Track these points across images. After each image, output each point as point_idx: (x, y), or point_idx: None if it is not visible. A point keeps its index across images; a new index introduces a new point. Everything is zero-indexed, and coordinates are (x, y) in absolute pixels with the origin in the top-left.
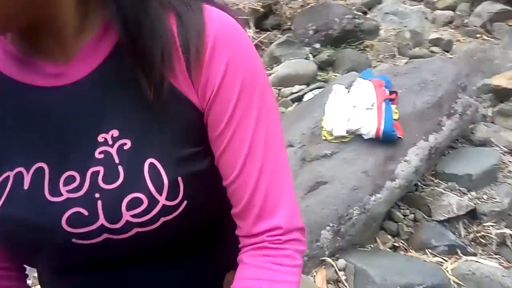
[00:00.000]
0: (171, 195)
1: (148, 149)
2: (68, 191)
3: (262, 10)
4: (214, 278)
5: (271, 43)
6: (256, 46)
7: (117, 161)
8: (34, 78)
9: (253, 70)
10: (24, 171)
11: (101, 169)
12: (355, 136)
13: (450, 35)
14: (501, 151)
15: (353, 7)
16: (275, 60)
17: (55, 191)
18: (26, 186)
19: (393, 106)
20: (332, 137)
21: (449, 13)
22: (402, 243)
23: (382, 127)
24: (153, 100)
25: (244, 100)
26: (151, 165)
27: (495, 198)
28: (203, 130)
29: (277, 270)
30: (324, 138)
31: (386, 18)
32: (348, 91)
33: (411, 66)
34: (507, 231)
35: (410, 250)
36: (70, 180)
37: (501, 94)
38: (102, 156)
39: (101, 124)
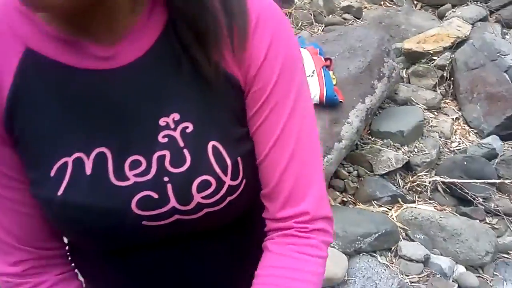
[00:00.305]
0: (234, 175)
1: (209, 132)
2: (135, 175)
3: None
4: (248, 253)
5: None
6: None
7: (182, 144)
8: (80, 60)
9: (293, 53)
10: (84, 157)
11: (167, 153)
12: None
13: (358, 2)
14: (421, 108)
15: None
16: None
17: (121, 176)
18: (88, 172)
19: (330, 72)
20: None
21: None
22: (349, 197)
23: (324, 93)
24: (209, 81)
25: (283, 81)
26: (214, 147)
27: (424, 150)
28: (245, 109)
29: (302, 260)
30: None
31: None
32: None
33: (337, 34)
34: (438, 178)
35: (358, 203)
36: (135, 164)
37: (412, 57)
38: (166, 140)
39: (160, 107)
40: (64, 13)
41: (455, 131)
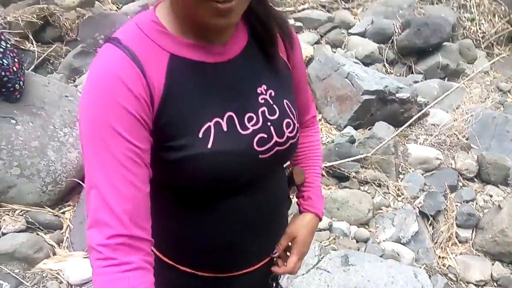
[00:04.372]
0: (296, 120)
1: (283, 94)
2: (251, 126)
3: (39, 22)
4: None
5: (59, 56)
6: (45, 59)
7: (271, 102)
8: (206, 57)
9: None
10: (220, 120)
11: (265, 108)
12: None
13: None
14: None
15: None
16: (76, 72)
17: (244, 127)
18: (225, 129)
19: None
20: None
21: None
22: None
23: None
24: (277, 66)
25: (303, 66)
26: (286, 103)
27: None
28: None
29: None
30: None
31: None
32: None
33: None
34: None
35: None
36: (250, 119)
37: None
38: (263, 101)
39: (256, 81)
40: (225, 28)
41: (321, 129)
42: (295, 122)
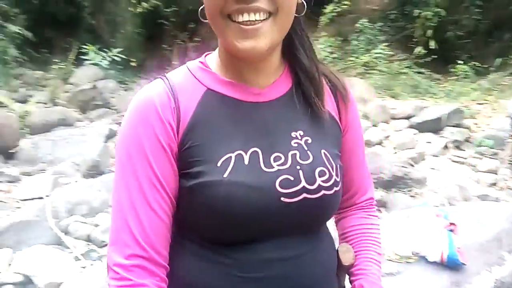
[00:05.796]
0: (336, 174)
1: (321, 144)
2: (277, 165)
3: None
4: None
5: None
6: None
7: (306, 148)
8: (242, 96)
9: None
10: (243, 153)
11: (297, 152)
12: (419, 258)
13: (495, 194)
14: None
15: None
16: None
17: (268, 165)
18: (246, 162)
19: (454, 235)
20: (397, 257)
21: (492, 176)
22: None
23: (446, 252)
24: (319, 115)
25: (360, 134)
26: (324, 153)
27: None
28: (341, 141)
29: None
30: (388, 258)
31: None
32: (408, 216)
33: (467, 206)
34: None
35: None
36: (277, 158)
37: None
38: (296, 145)
39: (291, 126)
40: (254, 59)
41: None
42: (333, 173)
